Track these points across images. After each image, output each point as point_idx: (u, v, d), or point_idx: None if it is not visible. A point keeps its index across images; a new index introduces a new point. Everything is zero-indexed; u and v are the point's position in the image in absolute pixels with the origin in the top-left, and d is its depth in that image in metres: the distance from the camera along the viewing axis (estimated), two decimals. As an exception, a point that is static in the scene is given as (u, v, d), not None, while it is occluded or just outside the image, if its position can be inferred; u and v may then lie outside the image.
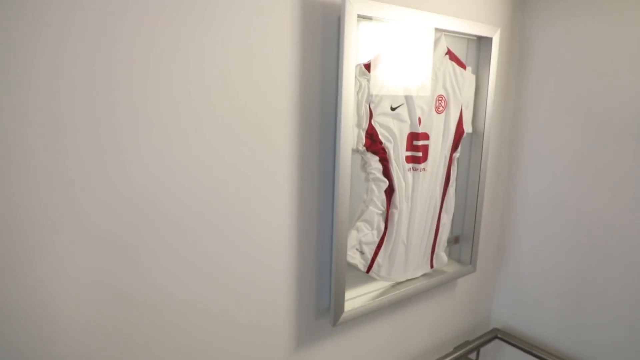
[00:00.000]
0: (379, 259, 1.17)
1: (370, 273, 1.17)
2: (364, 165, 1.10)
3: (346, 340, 1.19)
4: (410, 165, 1.18)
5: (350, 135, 1.00)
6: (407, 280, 1.28)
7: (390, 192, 1.14)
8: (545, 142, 1.46)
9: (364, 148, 1.06)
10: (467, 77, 1.28)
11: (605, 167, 1.33)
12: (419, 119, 1.16)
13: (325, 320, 1.13)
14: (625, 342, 1.34)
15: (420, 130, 1.17)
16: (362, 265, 1.14)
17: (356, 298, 1.17)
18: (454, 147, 1.28)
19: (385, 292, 1.21)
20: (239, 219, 0.92)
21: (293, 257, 1.03)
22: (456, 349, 1.47)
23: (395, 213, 1.16)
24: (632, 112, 1.26)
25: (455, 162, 1.30)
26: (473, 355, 1.53)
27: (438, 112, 1.21)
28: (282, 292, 1.03)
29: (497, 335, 1.57)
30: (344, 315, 1.09)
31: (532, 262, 1.54)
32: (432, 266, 1.33)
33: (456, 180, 1.39)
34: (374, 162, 1.10)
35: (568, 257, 1.44)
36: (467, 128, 1.32)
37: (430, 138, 1.21)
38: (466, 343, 1.50)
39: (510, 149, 1.57)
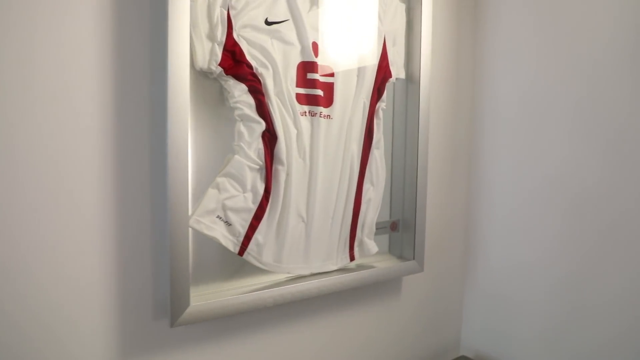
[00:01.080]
0: (258, 236, 0.83)
1: (245, 255, 0.82)
2: (227, 96, 0.79)
3: (201, 350, 0.82)
4: (306, 107, 0.86)
5: (186, 46, 0.70)
6: (313, 275, 0.92)
7: (271, 140, 0.82)
8: (517, 96, 1.11)
9: (221, 69, 0.75)
10: (391, 1, 0.98)
11: (598, 127, 0.96)
12: (314, 45, 0.86)
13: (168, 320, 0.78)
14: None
15: (318, 61, 0.86)
16: (229, 241, 0.80)
17: (224, 291, 0.81)
18: (376, 93, 0.96)
19: (271, 287, 0.85)
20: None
21: (109, 221, 0.71)
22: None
23: (281, 171, 0.83)
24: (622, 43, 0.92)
25: (379, 114, 0.97)
26: (429, 392, 1.12)
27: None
28: (92, 277, 0.70)
29: (463, 364, 1.15)
30: (189, 311, 0.74)
31: (509, 264, 1.14)
32: (352, 258, 0.97)
33: (391, 143, 1.07)
34: (239, 92, 0.78)
35: (558, 252, 1.04)
36: (397, 72, 1.00)
37: (335, 75, 0.89)
38: (419, 374, 1.10)
39: (472, 108, 1.22)
